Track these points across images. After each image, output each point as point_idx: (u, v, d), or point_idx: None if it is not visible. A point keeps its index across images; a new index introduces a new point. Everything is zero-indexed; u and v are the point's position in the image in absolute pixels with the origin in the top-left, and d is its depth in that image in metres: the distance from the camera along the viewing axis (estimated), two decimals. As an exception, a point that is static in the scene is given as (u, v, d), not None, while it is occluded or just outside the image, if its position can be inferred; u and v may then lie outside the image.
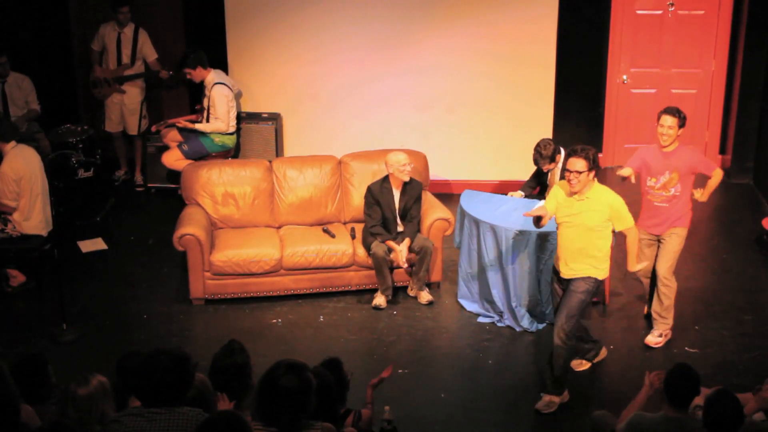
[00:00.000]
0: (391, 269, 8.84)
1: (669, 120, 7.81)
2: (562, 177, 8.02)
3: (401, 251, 8.66)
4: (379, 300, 8.80)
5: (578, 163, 6.97)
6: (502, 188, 10.58)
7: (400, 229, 8.88)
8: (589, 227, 7.04)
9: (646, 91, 11.77)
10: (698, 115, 11.77)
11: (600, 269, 7.16)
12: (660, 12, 11.45)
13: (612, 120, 11.83)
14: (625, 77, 11.68)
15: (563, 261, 7.19)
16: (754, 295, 8.98)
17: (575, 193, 7.05)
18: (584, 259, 7.10)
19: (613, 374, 7.81)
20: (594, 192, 7.05)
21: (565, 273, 7.18)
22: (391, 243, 8.72)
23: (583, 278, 7.12)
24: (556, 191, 7.26)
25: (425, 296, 8.86)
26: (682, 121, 7.86)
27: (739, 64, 11.27)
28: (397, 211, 8.84)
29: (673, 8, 11.40)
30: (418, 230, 8.91)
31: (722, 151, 11.80)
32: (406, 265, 8.75)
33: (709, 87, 11.66)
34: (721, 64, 11.54)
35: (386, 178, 8.86)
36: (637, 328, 8.43)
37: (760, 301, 8.88)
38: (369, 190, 8.87)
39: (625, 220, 7.13)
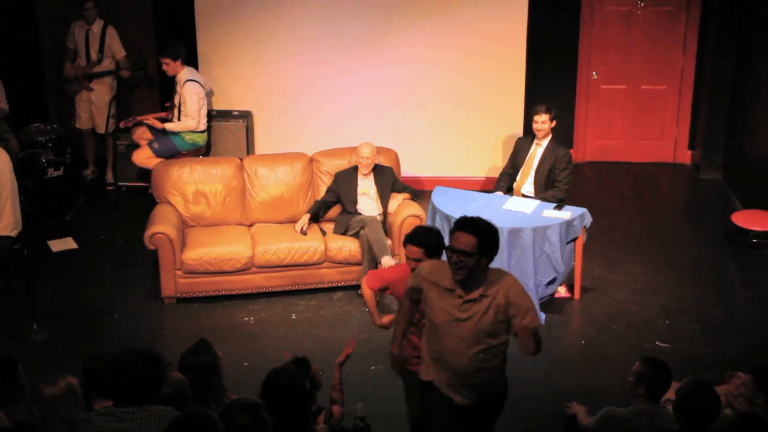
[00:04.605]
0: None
1: (415, 251, 6.16)
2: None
3: (303, 222, 9.06)
4: None
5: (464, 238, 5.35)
6: (474, 185, 10.62)
7: (360, 210, 9.10)
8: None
9: (616, 86, 11.82)
10: (668, 111, 11.84)
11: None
12: (629, 8, 11.49)
13: (582, 116, 11.88)
14: (595, 73, 11.72)
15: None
16: (724, 290, 9.05)
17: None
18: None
19: (585, 370, 7.84)
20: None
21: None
22: (302, 218, 9.08)
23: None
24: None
25: None
26: (430, 250, 6.15)
27: (709, 60, 11.34)
28: (357, 196, 9.11)
29: (642, 4, 11.45)
30: (416, 195, 9.38)
31: (692, 146, 11.87)
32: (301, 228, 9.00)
33: (679, 83, 11.72)
34: (690, 60, 11.59)
35: (356, 167, 9.19)
36: (609, 323, 8.47)
37: (729, 296, 8.95)
38: (335, 175, 9.27)
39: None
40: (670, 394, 5.39)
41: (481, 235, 5.31)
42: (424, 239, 6.14)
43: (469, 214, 5.53)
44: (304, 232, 9.02)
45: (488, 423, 5.84)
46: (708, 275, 9.32)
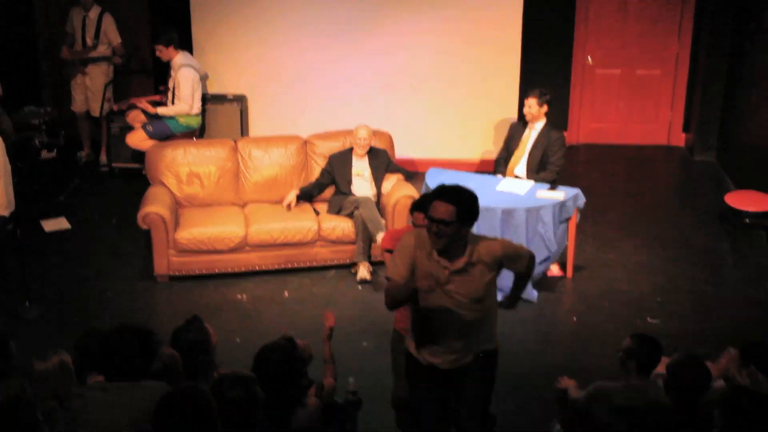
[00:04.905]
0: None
1: (422, 218, 5.91)
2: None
3: (290, 198, 9.11)
4: (363, 272, 8.82)
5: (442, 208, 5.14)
6: (468, 167, 10.62)
7: (354, 191, 9.10)
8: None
9: (611, 71, 11.82)
10: (662, 95, 11.85)
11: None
12: (624, -8, 11.52)
13: (577, 100, 11.88)
14: (589, 58, 11.72)
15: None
16: (716, 269, 9.07)
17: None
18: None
19: (576, 346, 7.86)
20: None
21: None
22: (290, 194, 9.10)
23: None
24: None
25: (361, 272, 8.85)
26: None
27: (704, 45, 11.34)
28: (352, 177, 9.11)
29: (637, -12, 11.47)
30: (409, 176, 9.47)
31: (686, 129, 11.89)
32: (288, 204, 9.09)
33: (674, 67, 11.72)
34: (685, 44, 11.59)
35: (351, 149, 9.19)
36: (601, 301, 8.50)
37: (721, 274, 8.97)
38: (330, 157, 9.26)
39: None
40: (661, 369, 5.42)
41: (460, 202, 5.11)
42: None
43: None
44: (290, 208, 9.05)
45: (482, 382, 5.67)
46: (701, 255, 9.33)
